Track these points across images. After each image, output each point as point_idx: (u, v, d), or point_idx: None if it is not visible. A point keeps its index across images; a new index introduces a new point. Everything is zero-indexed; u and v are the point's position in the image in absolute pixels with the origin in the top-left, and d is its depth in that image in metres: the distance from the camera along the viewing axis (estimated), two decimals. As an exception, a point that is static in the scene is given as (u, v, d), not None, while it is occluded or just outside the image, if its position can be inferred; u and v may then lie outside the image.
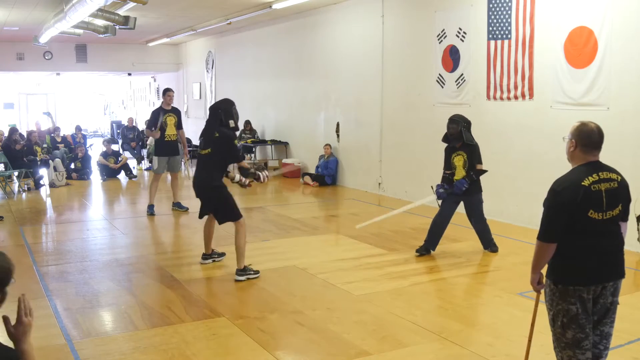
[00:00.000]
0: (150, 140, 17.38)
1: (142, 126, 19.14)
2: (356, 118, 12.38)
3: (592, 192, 3.21)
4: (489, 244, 7.38)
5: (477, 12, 9.19)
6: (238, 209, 6.48)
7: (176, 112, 9.99)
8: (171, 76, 22.82)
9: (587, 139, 3.29)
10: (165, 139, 9.79)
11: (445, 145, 7.29)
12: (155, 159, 10.07)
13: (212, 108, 6.53)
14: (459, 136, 7.04)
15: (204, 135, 6.50)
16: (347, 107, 12.62)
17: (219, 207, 6.49)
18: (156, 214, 9.83)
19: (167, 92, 9.93)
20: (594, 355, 3.34)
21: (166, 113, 9.81)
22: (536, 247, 3.34)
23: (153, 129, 9.65)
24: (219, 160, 6.34)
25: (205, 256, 6.92)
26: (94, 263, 7.06)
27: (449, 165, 7.22)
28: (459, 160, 7.10)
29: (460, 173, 7.09)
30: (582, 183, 3.21)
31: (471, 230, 8.49)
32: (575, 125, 3.35)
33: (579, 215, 3.21)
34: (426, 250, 7.28)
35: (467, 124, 7.13)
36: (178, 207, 10.11)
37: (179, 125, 9.93)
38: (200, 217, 6.78)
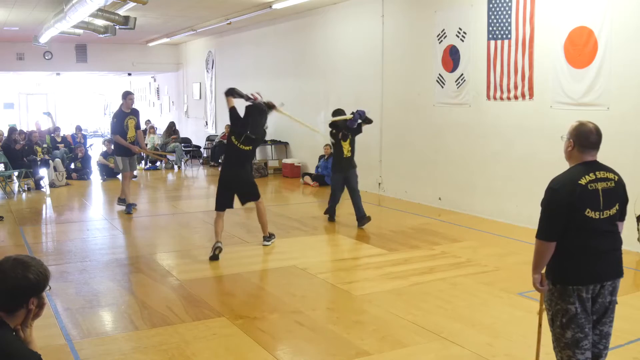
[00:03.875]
0: (151, 139, 17.42)
1: (142, 126, 19.12)
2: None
3: (588, 191, 3.21)
4: (362, 218, 8.83)
5: (477, 12, 9.19)
6: None
7: (135, 114, 10.27)
8: (171, 76, 22.83)
9: (585, 139, 3.29)
10: (127, 141, 10.03)
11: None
12: (118, 159, 10.19)
13: (259, 109, 7.41)
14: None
15: (253, 132, 7.25)
16: (347, 107, 12.52)
17: (251, 191, 7.50)
18: (154, 215, 9.82)
19: (128, 95, 10.24)
20: (594, 354, 3.35)
21: (127, 115, 10.06)
22: (536, 246, 3.34)
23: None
24: (252, 157, 7.57)
25: (220, 243, 7.20)
26: (94, 263, 7.06)
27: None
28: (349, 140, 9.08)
29: (347, 148, 9.03)
30: (579, 182, 3.22)
31: (471, 230, 8.52)
32: (574, 125, 3.35)
33: (576, 214, 3.21)
34: (332, 217, 9.28)
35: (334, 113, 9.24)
36: (124, 203, 10.23)
37: (137, 127, 10.21)
38: (223, 209, 7.35)
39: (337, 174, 9.07)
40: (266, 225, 7.72)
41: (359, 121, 8.91)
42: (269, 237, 7.74)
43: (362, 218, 8.83)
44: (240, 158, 7.32)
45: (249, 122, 7.33)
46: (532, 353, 4.44)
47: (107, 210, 10.71)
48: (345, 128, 8.91)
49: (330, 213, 9.33)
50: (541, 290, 3.44)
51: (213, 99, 19.17)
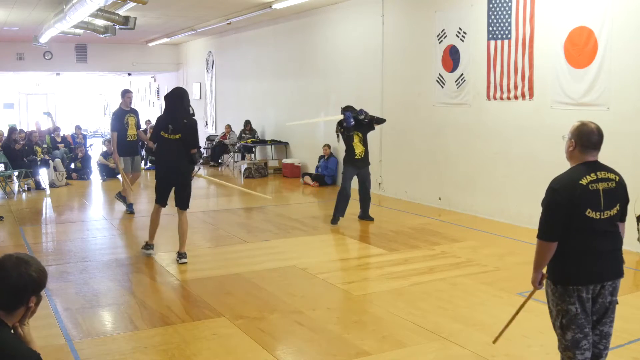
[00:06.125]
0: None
1: (142, 126, 19.11)
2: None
3: (589, 191, 3.21)
4: (366, 215, 9.16)
5: (477, 12, 9.19)
6: None
7: (135, 113, 10.20)
8: (171, 76, 22.82)
9: (587, 140, 3.29)
10: (128, 139, 9.96)
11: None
12: (120, 159, 10.07)
13: (176, 96, 6.98)
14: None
15: (173, 122, 6.81)
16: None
17: (184, 191, 6.96)
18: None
19: (126, 93, 10.15)
20: (594, 354, 3.35)
21: (127, 113, 9.99)
22: (537, 246, 3.34)
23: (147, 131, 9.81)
24: (185, 145, 6.87)
25: (149, 246, 7.26)
26: (94, 263, 7.06)
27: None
28: (358, 139, 8.97)
29: (359, 148, 8.92)
30: (580, 182, 3.22)
31: (471, 230, 8.52)
32: (576, 125, 3.35)
33: (576, 214, 3.21)
34: (337, 219, 8.91)
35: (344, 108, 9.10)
36: (120, 198, 10.27)
37: (137, 126, 10.14)
38: (165, 204, 7.09)
39: (348, 166, 8.95)
40: (185, 239, 7.07)
41: (352, 121, 8.77)
42: (185, 254, 7.02)
43: (366, 217, 9.16)
44: (168, 148, 6.86)
45: (170, 109, 6.92)
46: (532, 353, 4.45)
47: (107, 210, 10.71)
48: (345, 128, 8.86)
49: (336, 216, 8.91)
50: (538, 288, 3.45)
51: (213, 99, 19.17)
